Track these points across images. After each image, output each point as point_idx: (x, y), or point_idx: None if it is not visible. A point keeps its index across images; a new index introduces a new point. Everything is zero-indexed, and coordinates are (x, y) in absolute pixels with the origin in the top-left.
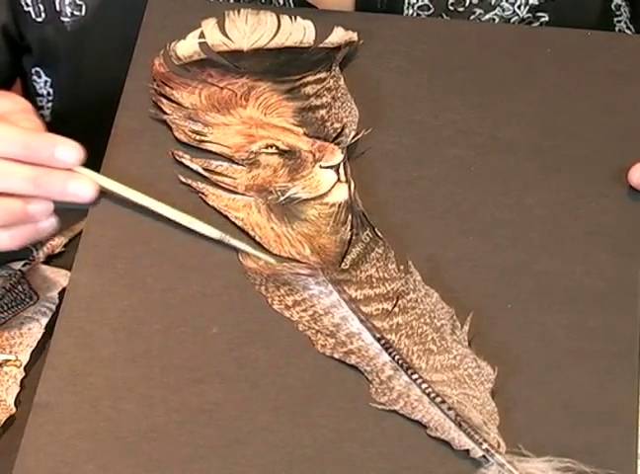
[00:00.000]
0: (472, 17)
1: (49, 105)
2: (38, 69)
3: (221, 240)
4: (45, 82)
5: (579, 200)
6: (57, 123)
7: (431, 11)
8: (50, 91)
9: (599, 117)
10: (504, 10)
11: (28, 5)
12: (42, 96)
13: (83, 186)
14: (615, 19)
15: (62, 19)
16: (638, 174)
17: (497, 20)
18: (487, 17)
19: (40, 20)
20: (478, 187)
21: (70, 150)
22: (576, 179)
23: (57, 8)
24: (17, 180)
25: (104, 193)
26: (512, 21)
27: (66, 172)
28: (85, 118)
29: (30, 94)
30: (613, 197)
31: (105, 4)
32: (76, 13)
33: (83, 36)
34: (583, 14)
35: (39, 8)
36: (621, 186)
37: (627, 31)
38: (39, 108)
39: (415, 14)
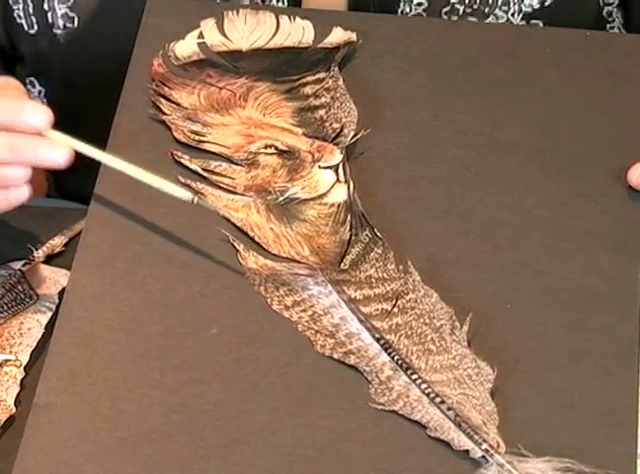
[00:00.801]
0: None
1: None
2: (32, 79)
3: (192, 202)
4: (40, 92)
5: (579, 200)
6: None
7: None
8: (45, 101)
9: (598, 117)
10: (497, 18)
11: (20, 17)
12: None
13: (54, 150)
14: (608, 25)
15: (55, 31)
16: (638, 174)
17: None
18: None
19: (32, 32)
20: (478, 187)
21: (37, 113)
22: (576, 179)
23: (50, 20)
24: None
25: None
26: None
27: (38, 137)
28: (79, 127)
29: None
30: (613, 197)
31: (97, 16)
32: (69, 25)
33: (76, 47)
34: (576, 21)
35: (31, 20)
36: (621, 186)
37: None
38: None
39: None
